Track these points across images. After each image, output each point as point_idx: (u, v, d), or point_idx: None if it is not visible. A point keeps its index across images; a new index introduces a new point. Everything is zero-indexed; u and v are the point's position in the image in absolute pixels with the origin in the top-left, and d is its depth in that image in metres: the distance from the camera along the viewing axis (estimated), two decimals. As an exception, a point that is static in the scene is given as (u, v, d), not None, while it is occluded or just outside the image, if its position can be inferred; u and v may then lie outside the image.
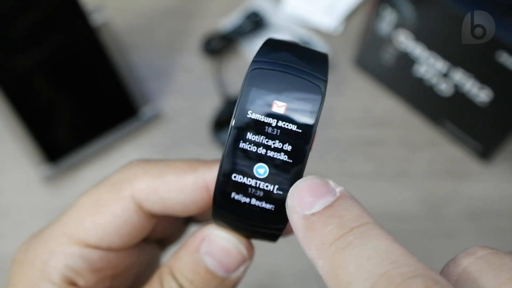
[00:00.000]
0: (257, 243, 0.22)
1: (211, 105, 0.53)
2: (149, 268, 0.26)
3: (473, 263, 0.16)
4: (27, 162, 0.50)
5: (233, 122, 0.18)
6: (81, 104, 0.49)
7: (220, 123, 0.52)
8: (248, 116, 0.18)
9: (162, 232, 0.25)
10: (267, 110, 0.18)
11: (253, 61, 0.19)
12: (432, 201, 0.49)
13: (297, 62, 0.19)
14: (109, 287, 0.22)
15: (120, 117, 0.51)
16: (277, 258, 0.46)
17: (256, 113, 0.18)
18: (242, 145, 0.18)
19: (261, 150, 0.18)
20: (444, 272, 0.17)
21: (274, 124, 0.18)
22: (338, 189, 0.18)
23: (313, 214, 0.17)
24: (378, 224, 0.16)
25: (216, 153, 0.51)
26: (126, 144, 0.52)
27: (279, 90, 0.18)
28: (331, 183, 0.18)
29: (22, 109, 0.45)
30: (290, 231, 0.20)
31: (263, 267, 0.45)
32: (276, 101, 0.18)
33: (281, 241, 0.22)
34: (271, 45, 0.19)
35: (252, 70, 0.18)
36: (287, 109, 0.18)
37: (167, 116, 0.53)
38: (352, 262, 0.15)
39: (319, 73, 0.18)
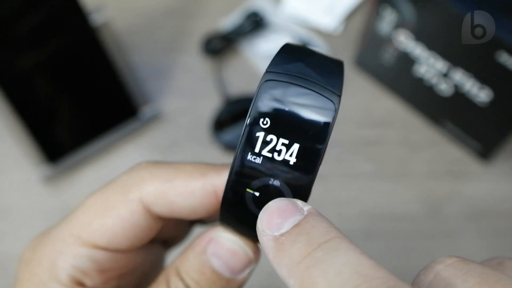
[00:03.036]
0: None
1: (211, 105, 0.53)
2: (154, 267, 0.26)
3: (443, 271, 0.16)
4: (27, 162, 0.49)
5: (243, 136, 0.18)
6: (81, 104, 0.49)
7: (220, 123, 0.52)
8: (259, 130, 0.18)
9: (168, 233, 0.25)
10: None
11: (266, 72, 0.18)
12: (432, 201, 0.49)
13: (311, 75, 0.18)
14: (115, 287, 0.23)
15: (120, 117, 0.51)
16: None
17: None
18: (251, 157, 0.18)
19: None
20: (416, 281, 0.17)
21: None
22: (306, 208, 0.18)
23: (282, 235, 0.17)
24: (345, 238, 0.16)
25: (216, 153, 0.51)
26: (126, 144, 0.52)
27: (291, 104, 0.18)
28: (299, 203, 0.18)
29: (22, 109, 0.45)
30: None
31: (263, 267, 0.45)
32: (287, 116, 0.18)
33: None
34: (286, 54, 0.19)
35: (264, 81, 0.18)
36: (299, 123, 0.18)
37: (167, 116, 0.53)
38: (322, 278, 0.15)
39: (333, 87, 0.18)
